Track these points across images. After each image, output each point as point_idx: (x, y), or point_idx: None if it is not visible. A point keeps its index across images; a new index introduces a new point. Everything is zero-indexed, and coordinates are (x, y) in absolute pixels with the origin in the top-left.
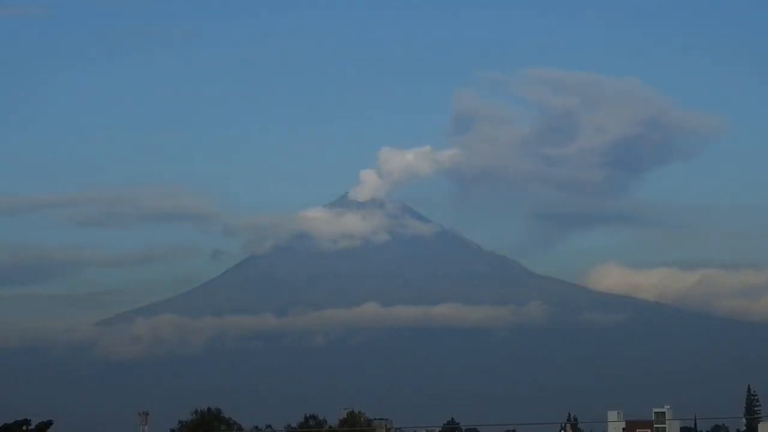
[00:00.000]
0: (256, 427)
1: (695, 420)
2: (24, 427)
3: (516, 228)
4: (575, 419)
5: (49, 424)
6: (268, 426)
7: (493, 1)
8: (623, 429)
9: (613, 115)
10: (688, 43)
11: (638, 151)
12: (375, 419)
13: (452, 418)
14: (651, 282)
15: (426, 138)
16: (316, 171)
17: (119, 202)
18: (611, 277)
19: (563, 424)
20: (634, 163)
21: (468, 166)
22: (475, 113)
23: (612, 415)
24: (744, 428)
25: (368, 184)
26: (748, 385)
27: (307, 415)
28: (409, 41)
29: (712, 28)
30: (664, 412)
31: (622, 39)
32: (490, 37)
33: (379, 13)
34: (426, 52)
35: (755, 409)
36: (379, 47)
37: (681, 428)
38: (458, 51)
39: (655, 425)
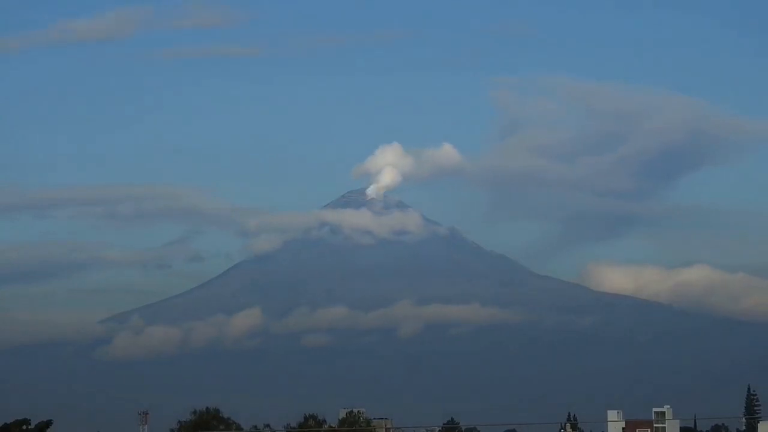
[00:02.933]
0: (255, 426)
1: (695, 420)
2: (24, 427)
3: (528, 231)
4: (575, 419)
5: (48, 423)
6: (267, 425)
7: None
8: (623, 429)
9: (647, 124)
10: (722, 47)
11: (664, 159)
12: (374, 419)
13: (452, 418)
14: (652, 283)
15: (444, 137)
16: (320, 170)
17: (121, 201)
18: (612, 278)
19: (563, 424)
20: (660, 171)
21: (486, 169)
22: (502, 115)
23: (612, 414)
24: (744, 428)
25: (376, 182)
26: (748, 385)
27: (307, 415)
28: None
29: (749, 32)
30: (664, 412)
31: (656, 47)
32: (526, 40)
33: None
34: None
35: (755, 409)
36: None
37: (681, 428)
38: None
39: (655, 425)
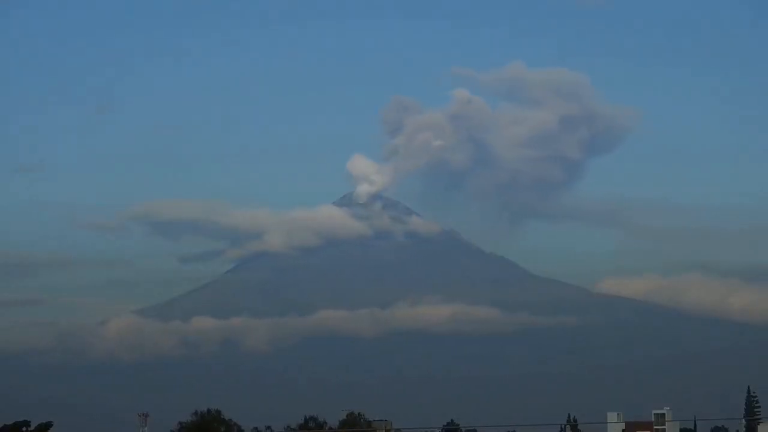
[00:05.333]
0: (256, 428)
1: (695, 421)
2: (24, 429)
3: (529, 232)
4: (575, 420)
5: (49, 425)
6: (268, 427)
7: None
8: (623, 430)
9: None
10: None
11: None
12: (375, 420)
13: (452, 419)
14: (651, 283)
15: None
16: (313, 170)
17: (121, 202)
18: (611, 279)
19: (563, 425)
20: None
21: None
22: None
23: (612, 416)
24: (744, 429)
25: (368, 182)
26: (748, 387)
27: (307, 417)
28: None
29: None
30: (663, 414)
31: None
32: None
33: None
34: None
35: (755, 410)
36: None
37: (681, 429)
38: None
39: (654, 426)
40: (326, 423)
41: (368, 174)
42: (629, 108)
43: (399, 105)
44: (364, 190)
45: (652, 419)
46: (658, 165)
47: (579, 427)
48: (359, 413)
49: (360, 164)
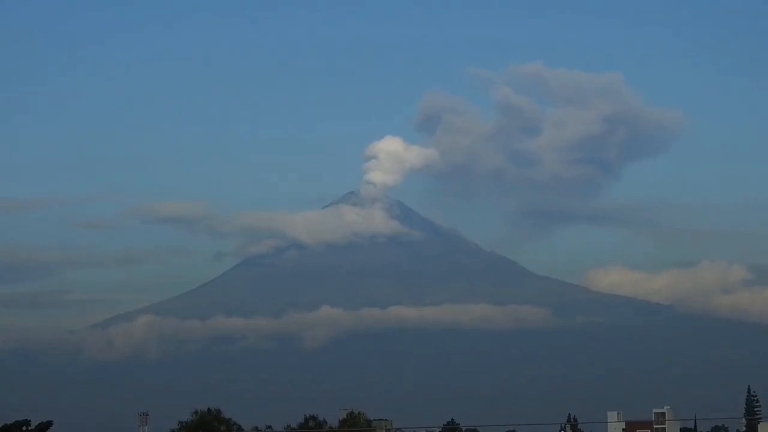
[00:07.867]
0: (256, 427)
1: (695, 420)
2: (24, 428)
3: (508, 226)
4: (575, 419)
5: (49, 424)
6: (268, 427)
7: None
8: (623, 430)
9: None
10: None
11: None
12: (375, 420)
13: (452, 419)
14: (650, 282)
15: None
16: (312, 170)
17: (120, 202)
18: (611, 278)
19: (563, 425)
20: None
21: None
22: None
23: (612, 415)
24: (744, 429)
25: (368, 182)
26: (748, 386)
27: (307, 416)
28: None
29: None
30: (663, 413)
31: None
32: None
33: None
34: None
35: (755, 409)
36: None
37: (681, 429)
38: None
39: (654, 426)
40: (326, 422)
41: (392, 169)
42: (669, 110)
43: (434, 103)
44: (380, 188)
45: (652, 419)
46: (682, 167)
47: (579, 427)
48: (359, 412)
49: (386, 159)
